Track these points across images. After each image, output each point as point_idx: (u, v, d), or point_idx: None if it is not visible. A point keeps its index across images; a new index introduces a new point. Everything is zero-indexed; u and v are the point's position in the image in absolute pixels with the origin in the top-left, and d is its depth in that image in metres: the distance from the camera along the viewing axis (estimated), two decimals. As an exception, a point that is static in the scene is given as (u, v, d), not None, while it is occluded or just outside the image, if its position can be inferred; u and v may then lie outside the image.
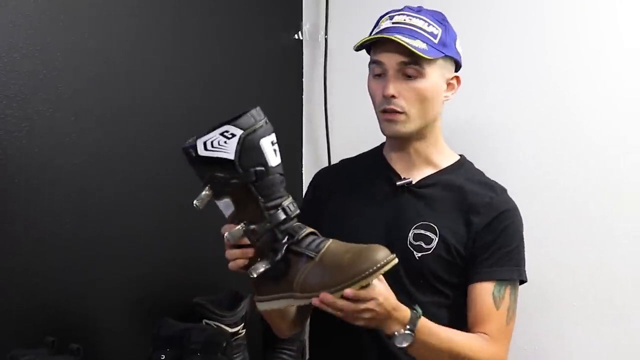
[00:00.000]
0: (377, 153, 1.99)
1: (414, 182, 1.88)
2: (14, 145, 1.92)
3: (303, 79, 2.83)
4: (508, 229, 1.84)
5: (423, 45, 1.79)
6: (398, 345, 1.64)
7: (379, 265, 1.51)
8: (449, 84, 1.87)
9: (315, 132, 2.80)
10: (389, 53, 1.81)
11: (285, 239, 1.57)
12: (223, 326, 2.20)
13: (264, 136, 1.57)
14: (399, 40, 1.77)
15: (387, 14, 1.89)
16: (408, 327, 1.64)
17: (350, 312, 1.55)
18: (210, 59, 2.48)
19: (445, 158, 1.92)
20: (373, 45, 1.85)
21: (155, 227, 2.26)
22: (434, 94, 1.83)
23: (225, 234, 1.60)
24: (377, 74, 1.84)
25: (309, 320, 2.00)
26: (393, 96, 1.80)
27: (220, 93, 2.52)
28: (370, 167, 1.97)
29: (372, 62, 1.86)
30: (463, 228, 1.82)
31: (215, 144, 1.54)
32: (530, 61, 2.38)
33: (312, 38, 2.77)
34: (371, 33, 1.87)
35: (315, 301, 1.54)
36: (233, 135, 1.53)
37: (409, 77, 1.80)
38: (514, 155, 2.38)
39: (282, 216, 1.58)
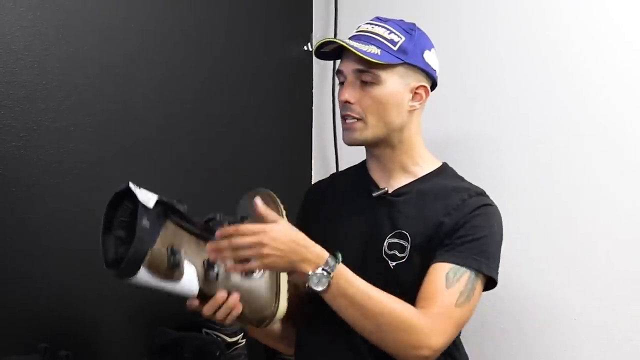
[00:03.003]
0: (360, 166, 1.97)
1: (390, 192, 1.85)
2: (13, 155, 1.96)
3: (313, 90, 2.84)
4: (474, 221, 1.75)
5: (375, 51, 1.77)
6: (314, 289, 1.58)
7: None
8: (415, 94, 1.84)
9: (324, 143, 2.81)
10: (346, 61, 1.82)
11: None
12: (222, 335, 2.22)
13: None
14: (344, 44, 1.77)
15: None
16: (323, 267, 1.59)
17: (240, 246, 1.54)
18: (219, 71, 2.50)
19: (422, 166, 1.89)
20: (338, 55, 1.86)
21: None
22: (392, 101, 1.80)
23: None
24: (340, 82, 1.85)
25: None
26: (348, 102, 1.80)
27: (230, 104, 2.54)
28: (354, 180, 1.95)
29: (337, 72, 1.87)
30: (434, 231, 1.76)
31: None
32: (524, 68, 2.38)
33: (322, 49, 2.78)
34: None
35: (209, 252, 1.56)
36: None
37: (365, 84, 1.79)
38: (513, 167, 2.37)
39: None
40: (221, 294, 1.60)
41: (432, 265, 1.73)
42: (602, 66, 2.23)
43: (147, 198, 1.56)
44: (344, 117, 1.83)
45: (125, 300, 2.20)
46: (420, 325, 1.64)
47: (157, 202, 1.57)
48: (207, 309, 1.61)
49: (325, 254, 1.61)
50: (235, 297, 1.61)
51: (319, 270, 1.59)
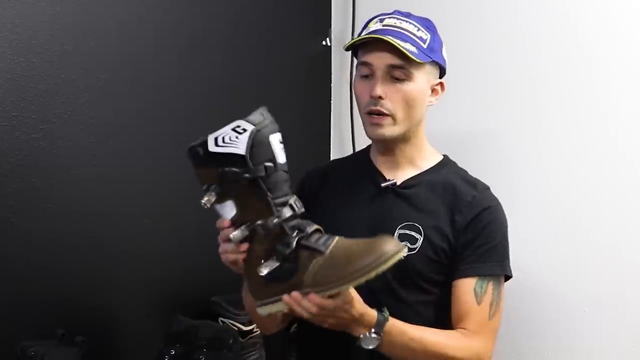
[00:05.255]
0: (364, 155, 1.99)
1: (398, 183, 1.87)
2: (32, 146, 2.01)
3: (331, 84, 2.87)
4: (489, 226, 1.81)
5: (413, 49, 1.79)
6: (364, 347, 1.65)
7: (388, 256, 1.50)
8: (433, 90, 1.87)
9: (342, 137, 2.84)
10: (379, 54, 1.80)
11: (295, 233, 1.56)
12: (238, 324, 2.25)
13: (272, 133, 1.58)
14: (391, 41, 1.77)
15: (376, 16, 1.89)
16: (374, 330, 1.64)
17: (318, 315, 1.56)
18: (238, 66, 2.53)
19: (428, 159, 1.92)
20: (362, 46, 1.84)
21: (172, 228, 2.31)
22: (420, 98, 1.84)
23: (231, 235, 1.57)
24: (365, 75, 1.84)
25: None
26: (380, 97, 1.80)
27: (249, 99, 2.54)
28: (357, 169, 1.97)
29: (361, 64, 1.85)
30: (447, 227, 1.81)
31: (227, 139, 1.54)
32: (535, 64, 2.40)
33: (340, 44, 2.80)
34: (360, 34, 1.87)
35: (285, 297, 1.55)
36: (244, 130, 1.53)
37: (396, 80, 1.80)
38: (523, 164, 2.40)
39: (290, 212, 1.56)
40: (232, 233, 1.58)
41: (456, 281, 1.81)
42: (614, 62, 2.24)
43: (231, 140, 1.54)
44: (371, 113, 1.82)
45: (142, 289, 2.25)
46: (470, 356, 1.76)
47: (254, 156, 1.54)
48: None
49: (375, 316, 1.64)
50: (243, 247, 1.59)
51: (371, 335, 1.64)
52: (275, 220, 1.55)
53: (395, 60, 1.79)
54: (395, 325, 1.67)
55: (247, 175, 1.53)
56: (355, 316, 1.60)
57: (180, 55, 2.37)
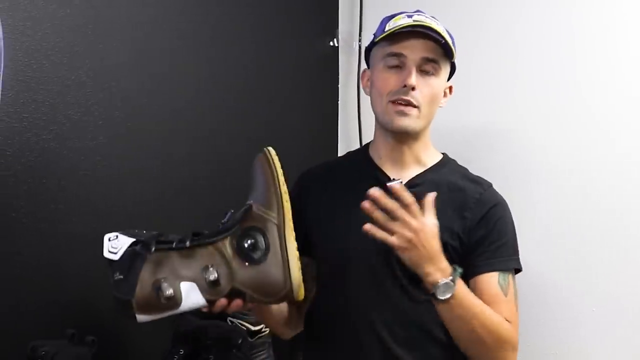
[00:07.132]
0: (362, 154, 1.99)
1: (403, 183, 1.86)
2: (43, 147, 2.02)
3: (339, 85, 2.89)
4: (500, 223, 1.85)
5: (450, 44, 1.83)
6: (440, 297, 1.66)
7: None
8: (444, 92, 1.90)
9: (349, 135, 2.86)
10: (414, 46, 1.81)
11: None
12: (246, 324, 2.26)
13: None
14: (437, 29, 1.79)
15: (400, 13, 1.88)
16: (450, 278, 1.67)
17: (395, 216, 1.61)
18: (247, 68, 2.55)
19: (430, 157, 1.93)
20: (389, 38, 1.83)
21: (181, 228, 2.31)
22: (440, 95, 1.87)
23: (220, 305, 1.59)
24: (393, 65, 1.83)
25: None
26: (413, 88, 1.80)
27: (258, 100, 2.58)
28: (357, 168, 1.97)
29: (389, 55, 1.84)
30: (457, 224, 1.83)
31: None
32: (534, 62, 2.43)
33: (347, 45, 2.82)
34: (383, 30, 1.85)
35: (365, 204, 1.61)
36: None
37: (424, 74, 1.82)
38: (532, 161, 2.42)
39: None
40: (221, 303, 1.58)
41: (478, 277, 1.82)
42: (621, 60, 2.24)
43: (115, 247, 1.61)
44: (399, 102, 1.82)
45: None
46: (512, 342, 1.78)
47: (128, 248, 1.59)
48: (217, 311, 1.62)
49: (449, 265, 1.69)
50: (236, 303, 1.58)
51: (448, 280, 1.66)
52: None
53: (430, 54, 1.81)
54: (463, 285, 1.71)
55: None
56: (427, 248, 1.64)
57: (189, 55, 2.38)
